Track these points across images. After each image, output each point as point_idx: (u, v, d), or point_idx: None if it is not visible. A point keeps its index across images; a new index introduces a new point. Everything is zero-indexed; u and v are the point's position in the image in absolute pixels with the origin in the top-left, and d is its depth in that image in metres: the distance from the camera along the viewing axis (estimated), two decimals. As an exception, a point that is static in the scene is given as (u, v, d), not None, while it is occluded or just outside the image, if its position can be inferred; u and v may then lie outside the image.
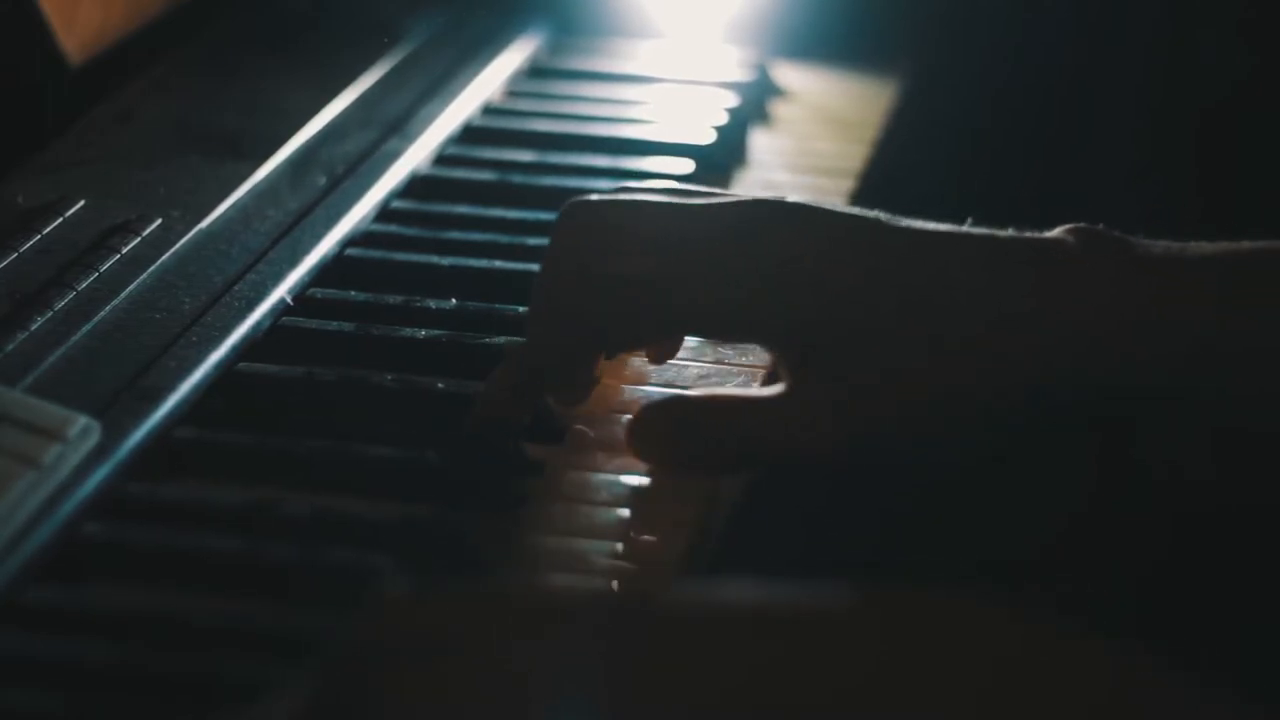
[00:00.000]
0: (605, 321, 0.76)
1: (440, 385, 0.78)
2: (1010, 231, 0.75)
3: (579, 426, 0.78)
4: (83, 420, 0.70)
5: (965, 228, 0.75)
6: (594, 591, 0.67)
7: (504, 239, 0.91)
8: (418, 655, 0.51)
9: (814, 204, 0.76)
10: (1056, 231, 0.75)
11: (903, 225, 0.75)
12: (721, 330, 0.79)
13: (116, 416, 0.73)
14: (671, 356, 0.82)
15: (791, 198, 0.76)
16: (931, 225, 0.75)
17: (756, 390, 0.78)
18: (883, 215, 0.76)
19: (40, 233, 0.85)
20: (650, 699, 0.50)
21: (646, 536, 0.72)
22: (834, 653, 0.51)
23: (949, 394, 0.73)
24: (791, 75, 1.16)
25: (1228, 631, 0.90)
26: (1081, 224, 0.74)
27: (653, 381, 0.81)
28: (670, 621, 0.52)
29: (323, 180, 0.94)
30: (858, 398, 0.74)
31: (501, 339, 0.82)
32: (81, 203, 0.88)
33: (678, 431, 0.76)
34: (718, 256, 0.75)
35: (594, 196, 0.78)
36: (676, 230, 0.76)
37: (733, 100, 1.09)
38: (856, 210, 0.76)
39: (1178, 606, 0.92)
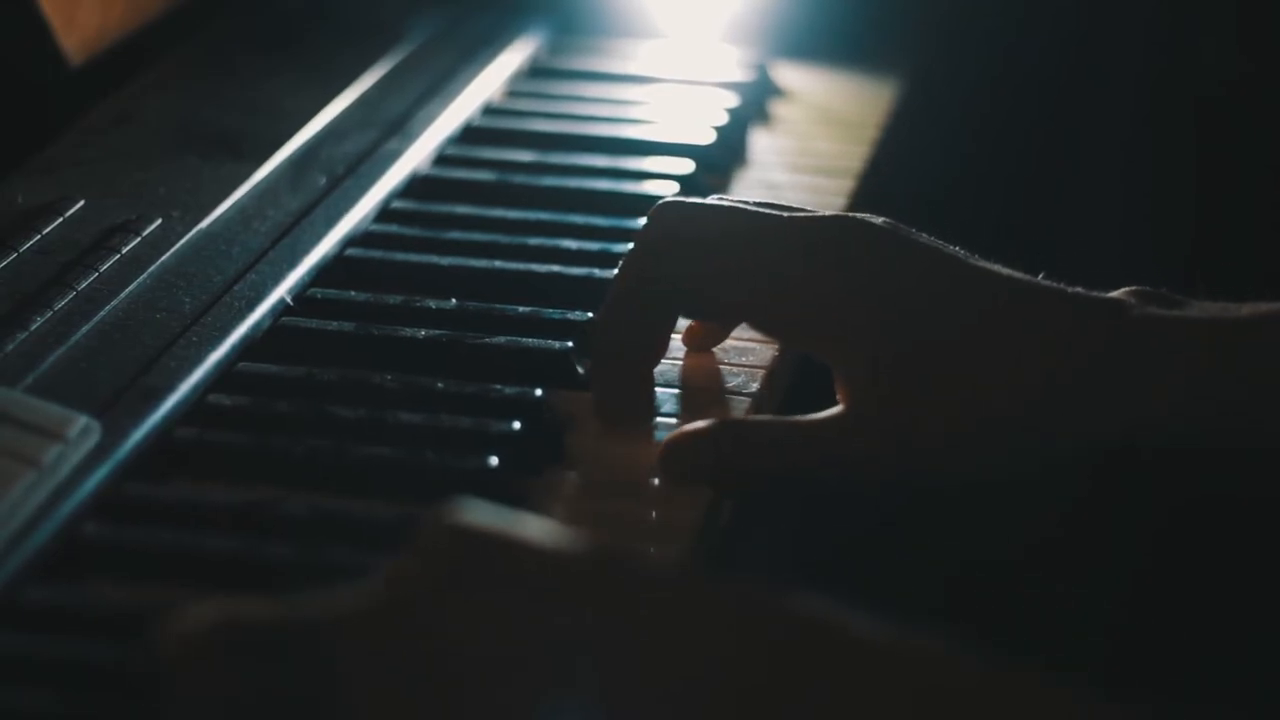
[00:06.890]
0: (688, 283, 0.78)
1: (440, 385, 0.78)
2: (1078, 289, 0.75)
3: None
4: (83, 420, 0.71)
5: (1036, 279, 0.76)
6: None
7: (504, 239, 0.91)
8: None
9: (901, 230, 0.77)
10: (1118, 293, 0.75)
11: (982, 265, 0.76)
12: (790, 337, 0.80)
13: (116, 416, 0.73)
14: (718, 343, 0.84)
15: (879, 220, 0.77)
16: (1005, 270, 0.76)
17: (805, 417, 0.76)
18: (960, 251, 0.76)
19: (40, 233, 0.85)
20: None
21: (647, 537, 0.72)
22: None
23: (1006, 436, 0.74)
24: (791, 75, 1.16)
25: (1225, 630, 0.90)
26: (1143, 287, 0.75)
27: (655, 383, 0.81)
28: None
29: (323, 180, 0.94)
30: (920, 428, 0.74)
31: (502, 339, 0.82)
32: (81, 203, 0.88)
33: (720, 459, 0.75)
34: (799, 266, 0.76)
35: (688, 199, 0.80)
36: (763, 231, 0.77)
37: (733, 100, 1.09)
38: (938, 242, 0.77)
39: (1175, 605, 0.92)
